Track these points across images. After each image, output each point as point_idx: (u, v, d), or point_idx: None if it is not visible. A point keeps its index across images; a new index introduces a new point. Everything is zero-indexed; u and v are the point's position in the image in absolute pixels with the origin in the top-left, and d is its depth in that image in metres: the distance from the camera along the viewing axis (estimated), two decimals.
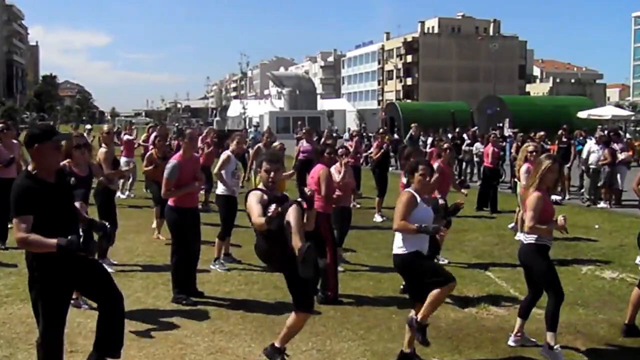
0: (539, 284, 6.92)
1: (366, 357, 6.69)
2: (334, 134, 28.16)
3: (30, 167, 5.09)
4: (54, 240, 4.76)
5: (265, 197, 5.90)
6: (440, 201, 10.03)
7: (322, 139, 20.29)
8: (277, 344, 6.15)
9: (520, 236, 6.99)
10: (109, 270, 9.73)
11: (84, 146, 8.92)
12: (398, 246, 6.41)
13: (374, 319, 7.84)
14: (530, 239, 6.76)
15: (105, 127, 12.11)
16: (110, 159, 10.52)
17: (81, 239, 4.84)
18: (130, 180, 19.00)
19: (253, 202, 5.84)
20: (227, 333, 7.24)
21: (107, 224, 5.72)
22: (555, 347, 6.59)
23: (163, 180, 8.64)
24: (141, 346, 6.80)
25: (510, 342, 7.02)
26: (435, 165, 9.71)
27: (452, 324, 7.76)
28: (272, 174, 6.09)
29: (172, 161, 8.77)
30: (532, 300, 7.01)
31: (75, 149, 8.66)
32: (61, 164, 8.48)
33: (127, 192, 18.65)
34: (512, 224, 13.80)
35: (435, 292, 6.21)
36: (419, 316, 6.30)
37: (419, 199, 6.38)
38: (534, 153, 11.20)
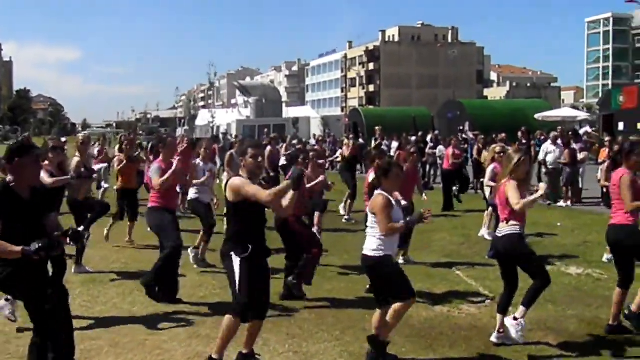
0: (526, 271, 6.89)
1: (343, 358, 6.60)
2: (302, 140, 28.16)
3: (8, 179, 5.00)
4: (18, 248, 4.64)
5: (247, 180, 5.92)
6: (403, 202, 10.06)
7: (285, 145, 20.47)
8: (245, 351, 6.15)
9: (501, 228, 6.91)
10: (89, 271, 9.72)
11: (60, 149, 8.85)
12: (371, 248, 6.36)
13: (348, 320, 7.74)
14: (512, 229, 6.76)
15: (80, 136, 11.98)
16: (81, 167, 10.33)
17: (45, 244, 4.70)
18: (102, 190, 18.77)
19: (244, 182, 5.85)
20: (204, 337, 7.08)
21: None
22: (520, 319, 6.63)
23: (152, 180, 8.78)
24: (119, 352, 6.64)
25: (493, 339, 6.93)
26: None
27: (424, 323, 7.70)
28: (259, 158, 6.12)
29: (155, 164, 8.95)
30: (509, 295, 6.94)
31: (52, 151, 8.71)
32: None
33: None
34: (484, 230, 13.58)
35: (396, 306, 6.25)
36: (381, 333, 6.38)
37: (392, 201, 6.35)
38: (502, 154, 11.22)
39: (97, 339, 7.04)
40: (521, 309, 6.70)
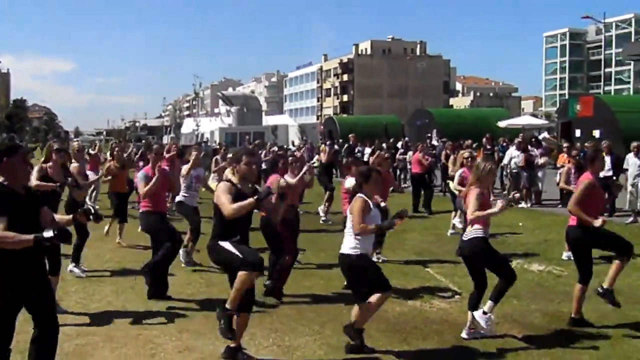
0: (492, 271, 6.94)
1: (323, 350, 6.61)
2: (283, 146, 28.19)
3: (0, 179, 4.86)
4: (30, 236, 4.54)
5: (235, 189, 6.02)
6: (382, 203, 10.08)
7: (265, 151, 20.54)
8: (232, 345, 6.16)
9: (467, 232, 6.97)
10: (82, 276, 9.60)
11: (64, 151, 8.79)
12: (348, 247, 6.38)
13: (326, 314, 7.76)
14: (476, 232, 6.82)
15: (76, 144, 11.91)
16: (82, 172, 10.31)
17: (55, 232, 4.62)
18: (95, 192, 18.66)
19: (222, 190, 5.99)
20: (193, 332, 7.07)
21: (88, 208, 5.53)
22: (489, 313, 6.71)
23: (139, 186, 8.92)
24: (113, 347, 6.60)
25: (464, 335, 6.95)
26: None
27: (398, 317, 7.72)
28: (252, 166, 6.27)
29: (142, 172, 9.13)
30: (479, 294, 6.94)
31: (56, 152, 8.56)
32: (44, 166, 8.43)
33: (91, 203, 18.26)
34: (451, 231, 13.67)
35: (374, 298, 6.28)
36: (358, 323, 6.41)
37: (370, 203, 6.37)
38: (469, 159, 11.31)
39: (93, 334, 7.00)
40: (489, 303, 6.77)
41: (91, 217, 5.09)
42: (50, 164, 8.63)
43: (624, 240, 7.36)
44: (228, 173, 9.07)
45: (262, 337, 6.88)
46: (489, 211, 6.74)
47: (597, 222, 6.92)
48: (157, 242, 8.76)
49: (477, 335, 6.89)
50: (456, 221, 13.24)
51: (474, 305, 6.94)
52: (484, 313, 6.74)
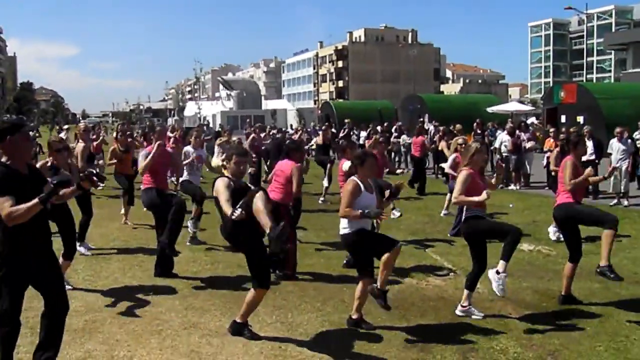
0: (495, 238, 6.91)
1: (324, 327, 6.49)
2: (282, 129, 27.98)
3: (3, 159, 4.65)
4: (34, 200, 4.37)
5: (232, 184, 5.83)
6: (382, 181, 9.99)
7: (265, 135, 20.27)
8: (239, 320, 6.04)
9: (464, 215, 6.84)
10: (87, 254, 9.43)
11: (65, 149, 8.47)
12: (343, 227, 6.24)
13: (328, 292, 7.63)
14: (471, 212, 6.71)
15: (82, 125, 11.69)
16: (86, 153, 10.15)
17: (53, 182, 4.53)
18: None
19: (222, 187, 5.79)
20: (199, 309, 6.94)
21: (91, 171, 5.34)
22: (502, 273, 6.54)
23: (138, 163, 8.75)
24: (122, 323, 6.48)
25: (457, 312, 6.86)
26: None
27: (397, 294, 7.58)
28: (241, 166, 6.12)
29: (144, 150, 8.98)
30: (477, 273, 6.79)
31: (57, 153, 8.15)
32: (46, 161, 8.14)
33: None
34: (445, 211, 13.53)
35: (384, 257, 6.10)
36: (378, 283, 6.20)
37: (362, 187, 6.19)
38: (463, 145, 11.15)
39: (100, 310, 6.88)
40: (501, 262, 6.55)
41: (95, 179, 4.87)
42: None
43: (608, 213, 7.28)
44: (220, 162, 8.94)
45: (265, 314, 6.74)
46: (472, 198, 6.58)
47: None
48: (160, 218, 8.54)
49: (469, 315, 6.80)
50: (444, 212, 13.20)
51: (471, 284, 6.82)
52: (497, 273, 6.55)
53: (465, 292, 6.85)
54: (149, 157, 8.60)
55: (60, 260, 7.39)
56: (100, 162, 15.83)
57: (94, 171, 4.97)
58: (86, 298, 7.30)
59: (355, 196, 6.10)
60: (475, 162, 6.79)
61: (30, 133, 5.38)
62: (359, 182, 6.21)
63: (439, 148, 13.88)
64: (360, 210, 6.01)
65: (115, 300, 7.25)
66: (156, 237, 8.78)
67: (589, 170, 7.25)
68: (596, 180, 7.85)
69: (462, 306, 6.84)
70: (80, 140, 10.58)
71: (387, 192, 7.30)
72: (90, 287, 7.84)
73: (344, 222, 6.23)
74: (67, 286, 7.32)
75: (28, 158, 4.85)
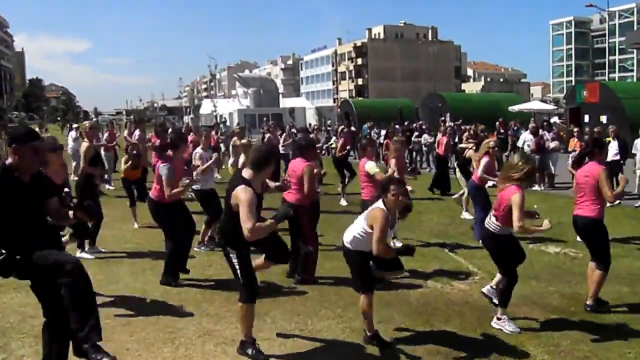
0: (497, 266, 6.73)
1: (346, 334, 6.29)
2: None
3: (8, 162, 4.51)
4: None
5: (254, 196, 5.38)
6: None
7: (285, 135, 19.90)
8: (244, 338, 5.73)
9: (489, 222, 6.56)
10: (90, 257, 9.15)
11: (60, 149, 8.22)
12: (349, 242, 6.01)
13: (349, 297, 7.33)
14: (501, 231, 6.43)
15: (87, 123, 11.23)
16: (91, 153, 9.70)
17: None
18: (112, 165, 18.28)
19: (247, 200, 5.29)
20: (214, 316, 6.75)
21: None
22: (503, 317, 6.47)
23: (165, 183, 7.92)
24: (132, 331, 6.28)
25: (483, 289, 6.88)
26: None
27: (420, 299, 7.44)
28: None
29: (165, 167, 8.02)
30: (508, 286, 6.53)
31: (51, 152, 7.69)
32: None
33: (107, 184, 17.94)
34: (457, 195, 13.40)
35: (361, 298, 5.97)
36: (366, 328, 6.08)
37: (389, 219, 5.79)
38: (495, 148, 10.82)
39: (110, 317, 6.65)
40: (499, 310, 6.51)
41: (91, 213, 4.73)
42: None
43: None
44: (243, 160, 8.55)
45: (284, 320, 6.57)
46: (537, 229, 6.36)
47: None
48: (168, 232, 8.22)
49: (492, 296, 6.78)
50: (465, 215, 12.91)
51: (504, 302, 6.58)
52: (499, 319, 6.49)
53: (499, 308, 6.57)
54: (178, 191, 7.97)
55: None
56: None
57: (90, 205, 4.81)
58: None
59: (387, 228, 5.75)
60: (525, 182, 6.41)
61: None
62: (388, 213, 5.78)
63: (467, 156, 13.53)
64: (399, 247, 5.83)
65: (126, 306, 7.06)
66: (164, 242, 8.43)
67: (622, 178, 7.24)
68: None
69: (491, 287, 6.80)
70: (85, 140, 10.14)
71: None
72: (100, 292, 7.50)
73: (352, 234, 5.98)
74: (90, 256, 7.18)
75: (33, 170, 4.63)
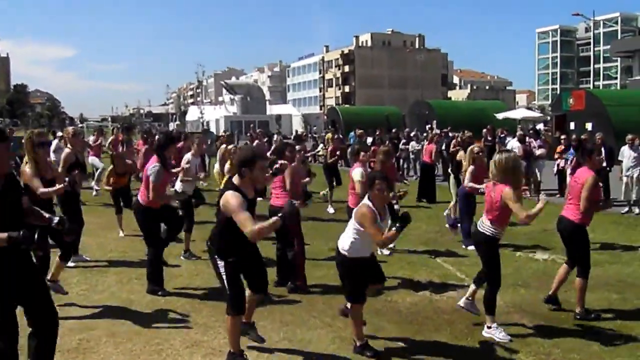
0: (487, 269, 6.66)
1: (335, 344, 6.19)
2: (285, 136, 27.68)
3: None
4: (4, 234, 4.02)
5: (244, 200, 5.23)
6: (396, 207, 9.71)
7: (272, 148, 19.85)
8: (231, 350, 5.64)
9: (482, 222, 6.56)
10: (70, 264, 8.91)
11: (47, 144, 7.96)
12: (344, 245, 5.91)
13: (337, 306, 7.18)
14: (493, 232, 6.41)
15: (71, 129, 10.80)
16: (71, 160, 9.35)
17: (36, 235, 4.12)
18: (100, 170, 18.04)
19: (236, 204, 5.14)
20: (202, 326, 6.63)
21: (64, 217, 5.02)
22: (492, 325, 6.45)
23: (151, 186, 7.76)
24: (118, 342, 6.14)
25: (460, 303, 6.83)
26: None
27: (410, 308, 7.38)
28: (265, 169, 5.74)
29: (156, 168, 7.86)
30: (492, 290, 6.52)
31: (38, 147, 7.48)
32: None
33: (95, 190, 17.72)
34: (447, 211, 13.25)
35: (352, 308, 5.95)
36: (355, 337, 6.03)
37: (377, 213, 5.76)
38: (480, 153, 10.73)
39: (95, 328, 6.53)
40: (488, 317, 6.49)
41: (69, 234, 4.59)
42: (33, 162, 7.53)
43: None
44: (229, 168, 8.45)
45: (272, 330, 6.47)
46: (537, 210, 6.16)
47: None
48: (148, 238, 8.10)
49: (471, 309, 6.76)
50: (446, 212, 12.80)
51: (478, 280, 6.80)
52: (489, 327, 6.47)
53: (472, 286, 6.78)
54: (165, 197, 8.04)
55: (56, 260, 7.12)
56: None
57: (66, 223, 4.67)
58: (80, 314, 6.96)
59: (375, 221, 5.71)
60: (517, 182, 6.41)
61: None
62: (373, 208, 5.78)
63: (458, 157, 13.49)
64: (393, 230, 5.58)
65: (112, 316, 6.91)
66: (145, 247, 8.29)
67: (608, 203, 7.57)
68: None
69: (467, 298, 6.79)
70: (68, 146, 9.76)
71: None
72: (85, 302, 7.48)
73: (347, 240, 5.91)
74: (61, 291, 7.05)
75: (4, 170, 4.48)
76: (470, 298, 6.79)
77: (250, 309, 5.84)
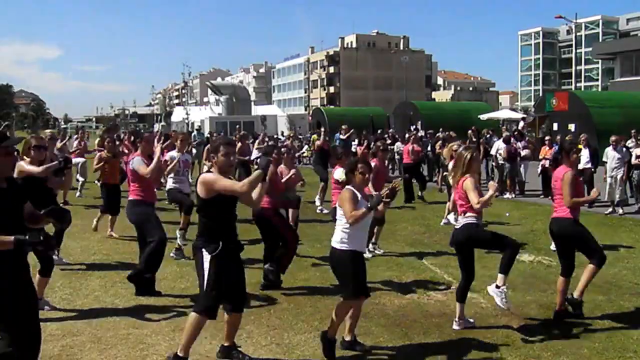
0: (495, 247, 6.90)
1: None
2: (273, 137, 27.54)
3: None
4: (10, 237, 3.90)
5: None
6: (375, 193, 9.62)
7: (258, 141, 19.76)
8: (226, 343, 5.65)
9: (460, 220, 6.62)
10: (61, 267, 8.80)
11: (43, 148, 7.81)
12: (337, 241, 5.82)
13: (325, 309, 7.17)
14: (468, 219, 6.56)
15: (48, 131, 10.76)
16: (47, 162, 9.20)
17: (41, 237, 3.97)
18: (81, 181, 17.94)
19: (213, 177, 5.38)
20: None
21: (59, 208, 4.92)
22: (502, 287, 6.48)
23: (138, 169, 7.96)
24: (102, 348, 5.98)
25: (455, 327, 6.68)
26: (373, 164, 9.23)
27: (397, 311, 7.29)
28: (230, 156, 5.57)
29: (136, 157, 8.19)
30: (465, 284, 6.67)
31: (34, 149, 7.52)
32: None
33: (78, 193, 17.54)
34: (445, 221, 13.18)
35: (340, 303, 5.88)
36: (347, 332, 6.08)
37: (359, 195, 5.82)
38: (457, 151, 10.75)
39: (79, 334, 6.37)
40: (500, 276, 6.51)
41: (61, 219, 4.49)
42: (28, 160, 7.60)
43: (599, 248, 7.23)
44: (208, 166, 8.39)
45: (259, 334, 6.36)
46: (489, 195, 6.44)
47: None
48: (144, 235, 7.92)
49: (467, 325, 6.67)
50: (451, 217, 12.77)
51: (462, 296, 6.68)
52: (497, 287, 6.49)
53: (458, 305, 6.69)
54: (155, 161, 7.93)
55: (36, 277, 6.84)
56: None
57: (46, 237, 4.52)
58: (63, 320, 6.78)
59: (354, 202, 5.71)
60: (472, 169, 6.65)
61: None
62: (355, 190, 5.85)
63: (443, 156, 13.59)
64: (364, 207, 5.63)
65: (96, 322, 6.73)
66: (139, 253, 8.16)
67: (595, 192, 7.41)
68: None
69: (459, 320, 6.71)
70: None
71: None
72: (68, 307, 7.30)
73: (339, 236, 5.82)
74: (46, 307, 6.88)
75: (7, 173, 4.36)
76: (461, 319, 6.70)
77: (230, 329, 5.69)
